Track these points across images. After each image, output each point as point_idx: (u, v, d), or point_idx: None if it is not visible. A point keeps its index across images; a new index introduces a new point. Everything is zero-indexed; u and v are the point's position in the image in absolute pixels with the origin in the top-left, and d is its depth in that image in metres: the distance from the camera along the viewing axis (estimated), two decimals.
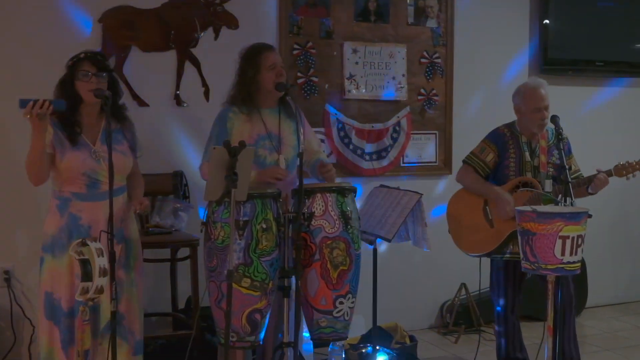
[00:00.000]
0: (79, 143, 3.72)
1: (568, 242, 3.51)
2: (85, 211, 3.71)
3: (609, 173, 4.48)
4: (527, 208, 3.66)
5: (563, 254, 3.51)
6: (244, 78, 4.13)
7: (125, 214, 3.85)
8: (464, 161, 4.82)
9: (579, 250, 3.56)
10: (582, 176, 4.63)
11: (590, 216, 3.63)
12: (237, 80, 4.17)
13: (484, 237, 4.61)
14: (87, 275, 3.29)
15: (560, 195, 4.31)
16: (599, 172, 4.47)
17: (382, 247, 4.38)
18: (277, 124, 4.17)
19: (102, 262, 3.30)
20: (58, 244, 3.68)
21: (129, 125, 3.94)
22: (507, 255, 4.57)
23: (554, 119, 4.50)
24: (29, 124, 3.50)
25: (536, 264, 3.58)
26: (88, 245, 3.31)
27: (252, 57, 4.13)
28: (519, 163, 4.62)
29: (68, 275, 3.66)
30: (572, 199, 4.10)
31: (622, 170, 4.48)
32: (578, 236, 3.53)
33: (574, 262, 3.56)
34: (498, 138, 4.72)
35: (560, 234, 3.49)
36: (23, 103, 3.41)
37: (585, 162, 4.77)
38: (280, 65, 4.12)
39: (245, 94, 4.12)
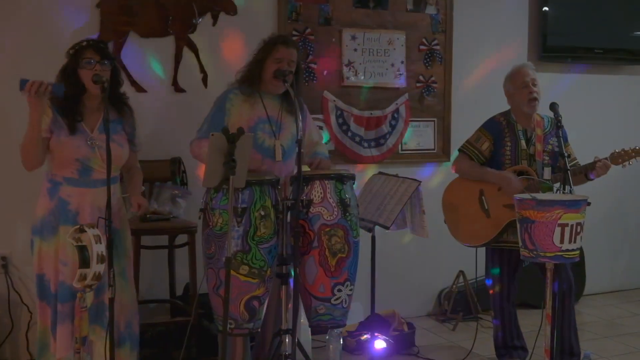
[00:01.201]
0: (77, 130, 3.72)
1: (567, 229, 3.52)
2: (74, 196, 3.72)
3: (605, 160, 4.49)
4: (527, 196, 3.68)
5: (562, 241, 3.52)
6: (254, 60, 4.17)
7: (113, 204, 3.77)
8: (459, 150, 4.84)
9: (578, 238, 3.58)
10: (579, 164, 4.63)
11: (589, 204, 3.64)
12: (250, 59, 4.21)
13: (480, 227, 4.62)
14: (84, 262, 3.30)
15: (559, 183, 4.31)
16: (597, 159, 4.47)
17: (380, 234, 4.38)
18: (278, 110, 4.18)
19: (99, 248, 3.30)
20: (47, 227, 3.70)
21: (129, 116, 3.93)
22: (505, 244, 4.58)
23: (553, 106, 4.49)
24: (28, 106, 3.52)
25: (535, 252, 3.59)
26: (86, 231, 3.31)
27: (268, 43, 4.17)
28: (514, 151, 4.63)
29: (54, 258, 3.70)
30: (571, 186, 4.11)
31: (619, 158, 4.47)
32: (577, 224, 3.54)
33: (573, 250, 3.57)
34: (494, 126, 4.73)
35: (560, 221, 3.50)
36: (23, 83, 3.43)
37: (583, 150, 4.78)
38: (289, 63, 4.10)
39: (252, 75, 4.14)
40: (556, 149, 4.55)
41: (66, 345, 3.69)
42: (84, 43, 3.74)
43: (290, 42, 4.21)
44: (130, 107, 3.96)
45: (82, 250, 3.31)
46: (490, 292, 4.78)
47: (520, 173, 4.57)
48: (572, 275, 4.54)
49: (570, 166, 4.42)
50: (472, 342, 5.07)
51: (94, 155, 3.72)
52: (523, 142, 4.63)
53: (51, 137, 3.71)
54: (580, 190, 4.21)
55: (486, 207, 4.61)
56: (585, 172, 4.53)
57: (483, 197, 4.64)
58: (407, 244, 6.00)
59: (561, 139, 4.37)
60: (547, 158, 4.61)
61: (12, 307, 4.86)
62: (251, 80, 4.15)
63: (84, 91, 3.72)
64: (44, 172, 3.82)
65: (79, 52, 3.71)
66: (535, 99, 4.63)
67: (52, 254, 3.71)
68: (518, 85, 4.65)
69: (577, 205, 3.55)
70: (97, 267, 3.29)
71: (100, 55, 3.71)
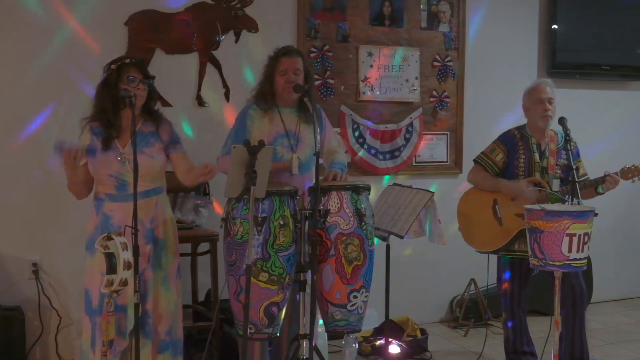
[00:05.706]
0: (110, 147, 3.79)
1: (575, 239, 3.59)
2: (116, 211, 3.79)
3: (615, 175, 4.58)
4: (536, 206, 3.74)
5: (570, 250, 3.60)
6: (264, 77, 4.26)
7: (157, 215, 3.89)
8: (474, 160, 4.90)
9: (586, 247, 3.65)
10: (589, 179, 4.70)
11: (596, 215, 3.72)
12: (261, 78, 4.30)
13: (493, 234, 4.69)
14: (111, 268, 3.38)
15: (567, 195, 4.40)
16: (607, 174, 4.57)
17: (395, 243, 4.46)
18: (295, 123, 4.25)
19: (126, 255, 3.37)
20: (93, 242, 3.68)
21: (165, 124, 3.99)
22: (515, 253, 4.67)
23: (562, 121, 4.59)
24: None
25: (544, 261, 3.66)
26: (113, 239, 3.39)
27: (272, 59, 4.25)
28: (528, 163, 4.71)
29: (98, 273, 3.72)
30: (579, 198, 4.20)
31: (629, 173, 4.57)
32: (585, 234, 3.62)
33: (580, 259, 3.64)
34: (508, 139, 4.81)
35: (568, 231, 3.58)
36: (58, 148, 3.51)
37: (591, 165, 4.87)
38: (294, 72, 4.17)
39: (265, 91, 4.23)
40: (566, 162, 4.62)
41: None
42: (127, 60, 3.81)
43: (292, 52, 4.25)
44: (166, 119, 4.03)
45: (110, 257, 3.38)
46: (501, 298, 4.89)
47: (533, 185, 4.64)
48: (584, 283, 4.61)
49: (580, 180, 4.54)
50: (482, 348, 5.16)
51: (125, 169, 3.76)
52: (536, 155, 4.70)
53: (88, 159, 3.78)
54: (589, 201, 4.32)
55: (499, 216, 4.68)
56: (595, 186, 4.61)
57: (496, 206, 4.71)
58: (420, 253, 6.06)
59: (569, 152, 4.46)
60: (559, 171, 4.67)
61: (42, 311, 4.96)
62: (265, 96, 4.22)
63: (123, 106, 3.75)
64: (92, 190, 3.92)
65: (122, 69, 3.77)
66: (549, 117, 4.70)
67: (96, 268, 3.73)
68: (534, 101, 4.72)
69: (585, 216, 3.62)
70: (124, 274, 3.36)
71: (142, 74, 3.80)
